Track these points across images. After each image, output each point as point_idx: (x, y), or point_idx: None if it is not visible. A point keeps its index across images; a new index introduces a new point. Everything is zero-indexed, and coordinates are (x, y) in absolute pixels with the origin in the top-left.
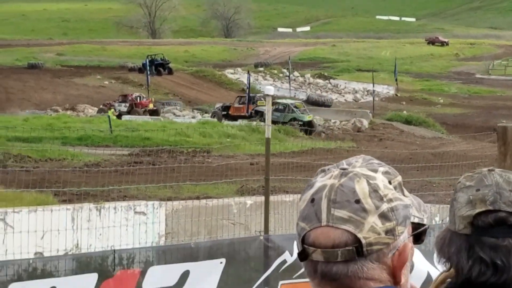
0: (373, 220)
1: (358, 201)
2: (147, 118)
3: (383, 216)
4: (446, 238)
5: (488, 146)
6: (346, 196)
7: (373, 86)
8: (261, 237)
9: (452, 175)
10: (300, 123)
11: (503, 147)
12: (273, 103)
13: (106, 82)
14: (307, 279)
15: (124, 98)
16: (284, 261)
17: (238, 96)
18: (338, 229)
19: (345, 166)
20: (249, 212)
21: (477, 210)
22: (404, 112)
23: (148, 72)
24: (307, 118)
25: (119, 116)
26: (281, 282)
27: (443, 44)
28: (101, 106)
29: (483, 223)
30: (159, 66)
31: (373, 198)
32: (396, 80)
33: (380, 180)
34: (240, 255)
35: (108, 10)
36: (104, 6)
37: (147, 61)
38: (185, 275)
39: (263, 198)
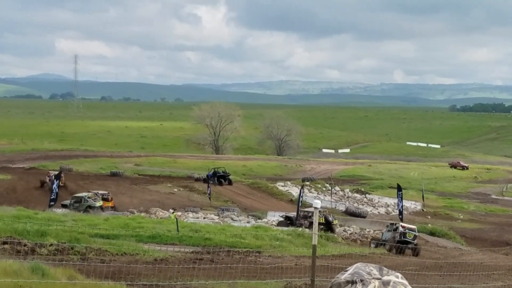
0: None
1: None
2: (209, 221)
3: None
4: None
5: (502, 257)
6: None
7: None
8: None
9: (470, 281)
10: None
11: None
12: (73, 197)
13: (176, 190)
14: None
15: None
16: None
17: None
18: None
19: (372, 276)
20: None
21: None
22: (429, 225)
23: (211, 182)
24: (98, 204)
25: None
26: None
27: (463, 168)
28: (170, 210)
29: None
30: (221, 178)
31: None
32: (423, 197)
33: (407, 284)
34: None
35: (179, 129)
36: (177, 125)
37: (211, 173)
38: None
39: None
